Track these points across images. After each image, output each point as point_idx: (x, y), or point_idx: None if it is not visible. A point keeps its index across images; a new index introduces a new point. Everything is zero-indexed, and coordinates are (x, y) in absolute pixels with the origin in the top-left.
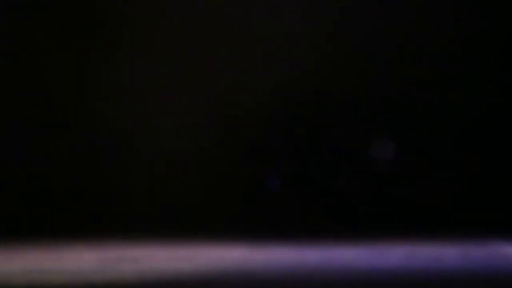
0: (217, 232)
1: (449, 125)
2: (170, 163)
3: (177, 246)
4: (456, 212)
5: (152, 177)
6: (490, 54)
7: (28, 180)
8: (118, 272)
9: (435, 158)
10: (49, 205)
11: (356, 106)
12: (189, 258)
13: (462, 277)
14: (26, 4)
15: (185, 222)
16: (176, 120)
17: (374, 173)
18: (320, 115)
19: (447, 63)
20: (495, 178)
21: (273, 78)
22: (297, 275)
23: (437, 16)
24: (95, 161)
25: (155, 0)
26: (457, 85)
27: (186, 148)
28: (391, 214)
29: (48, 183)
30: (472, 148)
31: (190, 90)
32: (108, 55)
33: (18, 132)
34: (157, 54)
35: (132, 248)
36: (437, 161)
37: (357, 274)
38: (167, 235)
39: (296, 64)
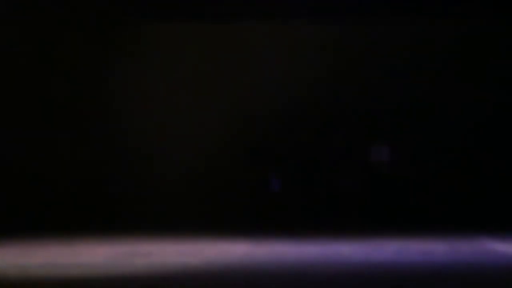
0: (223, 229)
1: (440, 130)
2: (181, 168)
3: (186, 242)
4: (445, 210)
5: (163, 180)
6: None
7: (49, 182)
8: (131, 265)
9: (426, 162)
10: (68, 205)
11: (353, 115)
12: (197, 253)
13: (450, 270)
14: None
15: (193, 220)
16: (188, 132)
17: (370, 174)
18: (320, 124)
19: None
20: (482, 180)
21: (278, 94)
22: (297, 268)
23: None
24: (111, 166)
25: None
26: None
27: (195, 154)
28: (385, 213)
29: (67, 186)
30: (460, 152)
31: (204, 107)
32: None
33: (40, 138)
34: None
35: (143, 244)
36: (428, 165)
37: (353, 267)
38: (176, 232)
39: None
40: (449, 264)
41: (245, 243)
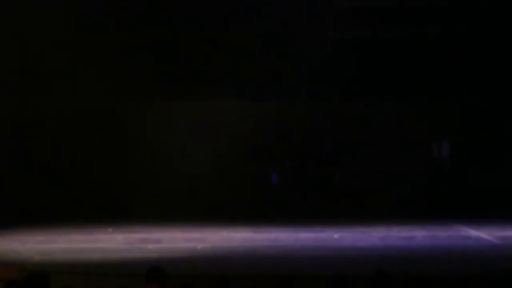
0: (226, 218)
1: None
2: (190, 164)
3: (192, 230)
4: (424, 200)
5: (173, 175)
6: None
7: (70, 175)
8: (143, 250)
9: (410, 154)
10: (86, 196)
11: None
12: (202, 239)
13: (429, 253)
14: None
15: (199, 210)
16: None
17: (359, 169)
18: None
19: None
20: (457, 172)
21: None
22: (293, 252)
23: None
24: (127, 161)
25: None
26: None
27: (203, 152)
28: (370, 202)
29: (86, 179)
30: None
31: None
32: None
33: (62, 135)
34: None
35: (154, 232)
36: (409, 158)
37: (342, 251)
38: (184, 221)
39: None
40: (429, 248)
41: (246, 230)
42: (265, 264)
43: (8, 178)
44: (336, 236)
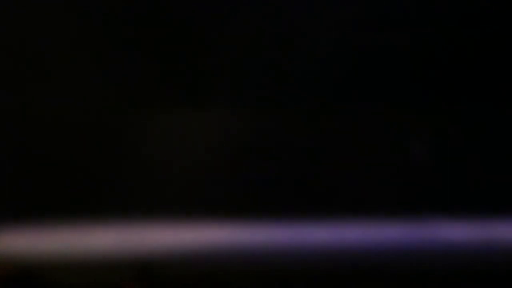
0: (216, 215)
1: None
2: (180, 163)
3: (184, 227)
4: (398, 197)
5: (163, 171)
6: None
7: (57, 168)
8: (135, 247)
9: (385, 151)
10: (75, 190)
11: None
12: (188, 237)
13: (403, 249)
14: None
15: (189, 207)
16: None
17: (337, 163)
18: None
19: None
20: (432, 168)
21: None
22: (274, 247)
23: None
24: (116, 156)
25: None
26: None
27: (192, 150)
28: (347, 199)
29: (74, 172)
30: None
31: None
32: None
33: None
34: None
35: (146, 229)
36: (386, 155)
37: (320, 248)
38: (173, 218)
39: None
40: (403, 244)
41: (235, 227)
42: (253, 262)
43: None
44: (313, 232)
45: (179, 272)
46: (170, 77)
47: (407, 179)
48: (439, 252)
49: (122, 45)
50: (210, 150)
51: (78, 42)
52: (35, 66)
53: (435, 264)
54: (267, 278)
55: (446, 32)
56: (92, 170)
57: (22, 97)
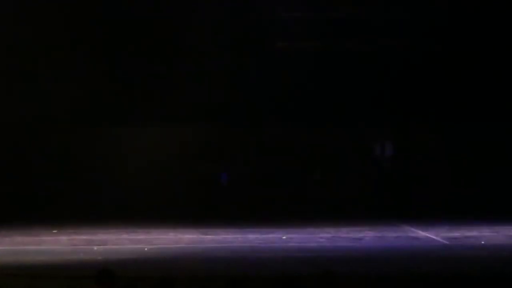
0: (174, 220)
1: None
2: (140, 170)
3: (139, 232)
4: (373, 204)
5: (123, 178)
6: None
7: (15, 179)
8: (89, 252)
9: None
10: (33, 199)
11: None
12: (149, 241)
13: (377, 253)
14: None
15: (146, 212)
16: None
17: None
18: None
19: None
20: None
21: None
22: (240, 252)
23: None
24: (76, 168)
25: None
26: None
27: (154, 157)
28: (320, 205)
29: (31, 182)
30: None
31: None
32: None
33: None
34: None
35: (100, 233)
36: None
37: (289, 252)
38: (132, 223)
39: None
40: (377, 248)
41: (194, 232)
42: (212, 265)
43: None
44: (284, 237)
45: (139, 275)
46: (128, 94)
47: (377, 186)
48: (415, 256)
49: (79, 63)
50: (169, 157)
51: (39, 57)
52: None
53: (412, 268)
54: (225, 281)
55: (408, 44)
56: (43, 178)
57: None
